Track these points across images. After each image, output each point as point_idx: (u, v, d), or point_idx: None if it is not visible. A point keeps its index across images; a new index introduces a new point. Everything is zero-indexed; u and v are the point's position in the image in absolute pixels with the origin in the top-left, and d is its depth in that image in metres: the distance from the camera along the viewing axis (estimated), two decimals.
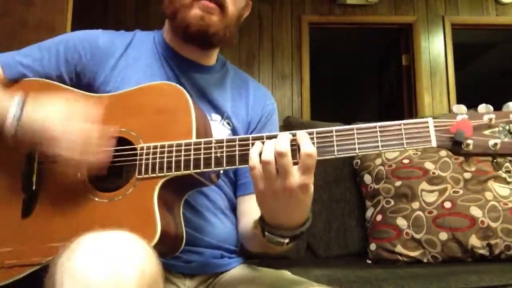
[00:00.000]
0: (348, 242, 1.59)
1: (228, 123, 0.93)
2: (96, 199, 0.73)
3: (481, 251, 1.31)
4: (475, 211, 1.34)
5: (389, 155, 1.54)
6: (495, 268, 1.14)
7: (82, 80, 0.90)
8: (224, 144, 0.69)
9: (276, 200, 0.64)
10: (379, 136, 0.64)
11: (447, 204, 1.37)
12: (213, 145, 0.70)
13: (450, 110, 0.66)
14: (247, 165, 0.66)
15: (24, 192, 0.77)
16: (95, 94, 0.85)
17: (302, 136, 0.63)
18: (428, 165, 1.45)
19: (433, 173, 1.43)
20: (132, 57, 0.93)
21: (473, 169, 0.65)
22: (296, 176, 0.62)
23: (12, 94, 0.75)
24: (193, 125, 0.74)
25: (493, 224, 1.31)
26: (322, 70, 4.59)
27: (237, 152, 0.68)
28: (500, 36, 4.20)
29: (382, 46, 4.11)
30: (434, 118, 0.65)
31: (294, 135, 0.64)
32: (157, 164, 0.71)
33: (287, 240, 0.70)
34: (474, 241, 1.31)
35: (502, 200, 1.36)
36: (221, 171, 0.77)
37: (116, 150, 0.76)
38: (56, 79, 0.88)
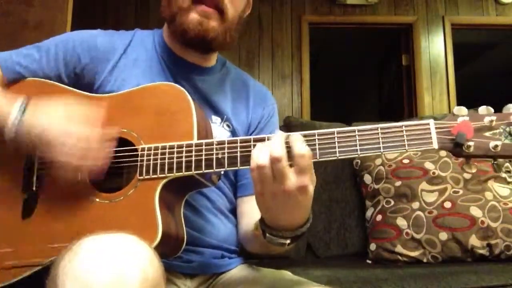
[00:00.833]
0: (348, 242, 1.59)
1: (227, 125, 0.93)
2: (97, 200, 0.73)
3: (481, 251, 1.31)
4: (475, 211, 1.34)
5: (389, 155, 1.54)
6: (495, 268, 1.15)
7: (81, 81, 0.90)
8: (226, 145, 0.69)
9: (275, 202, 0.64)
10: (380, 138, 0.65)
11: (447, 204, 1.37)
12: (214, 146, 0.70)
13: (450, 110, 0.66)
14: (248, 167, 0.65)
15: (24, 192, 0.77)
16: (95, 95, 0.85)
17: (295, 137, 0.64)
18: (428, 165, 1.46)
19: (433, 173, 1.44)
20: (132, 58, 0.92)
21: (473, 170, 0.65)
22: (292, 179, 0.62)
23: (15, 98, 0.75)
24: (194, 126, 0.73)
25: (493, 224, 1.31)
26: (322, 70, 4.59)
27: (238, 154, 0.68)
28: (500, 36, 4.20)
29: (382, 46, 4.10)
30: (434, 118, 0.66)
31: (288, 137, 0.64)
32: (158, 165, 0.71)
33: (288, 241, 0.70)
34: (474, 241, 1.31)
35: (502, 200, 1.36)
36: (222, 172, 0.77)
37: (117, 151, 0.76)
38: (55, 80, 0.88)
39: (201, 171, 0.70)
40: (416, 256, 1.35)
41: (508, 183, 1.41)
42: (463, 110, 0.65)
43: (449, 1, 3.61)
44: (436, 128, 0.64)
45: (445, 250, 1.33)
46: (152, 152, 0.72)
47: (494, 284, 1.02)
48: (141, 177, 0.72)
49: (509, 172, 1.44)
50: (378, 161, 1.54)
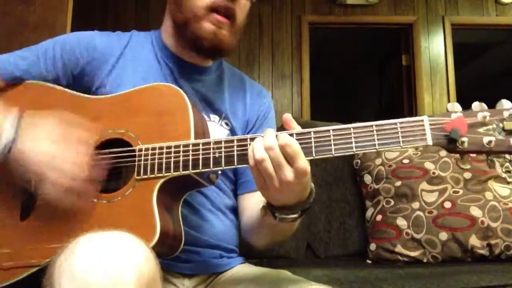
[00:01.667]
0: (348, 242, 1.59)
1: (226, 123, 0.94)
2: (95, 200, 0.73)
3: (481, 251, 1.31)
4: (475, 211, 1.34)
5: (389, 155, 1.54)
6: (495, 268, 1.14)
7: (79, 83, 0.90)
8: (223, 144, 0.70)
9: (281, 192, 0.66)
10: (375, 135, 0.65)
11: (447, 204, 1.37)
12: (211, 145, 0.70)
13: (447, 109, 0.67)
14: (245, 165, 0.67)
15: (22, 194, 0.77)
16: (93, 96, 0.85)
17: (282, 134, 0.66)
18: (428, 165, 1.45)
19: (433, 173, 1.43)
20: (130, 59, 0.92)
21: (468, 166, 0.66)
22: (290, 168, 0.64)
23: (5, 116, 0.72)
24: (191, 126, 0.74)
25: (493, 224, 1.31)
26: (322, 70, 4.59)
27: (235, 152, 0.69)
28: (500, 36, 4.20)
29: (382, 46, 4.10)
30: (429, 116, 0.66)
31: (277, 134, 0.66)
32: (156, 165, 0.72)
33: (298, 214, 0.72)
34: (474, 241, 1.31)
35: (502, 200, 1.36)
36: (219, 172, 0.77)
37: (115, 152, 0.76)
38: (53, 82, 0.88)
39: (198, 170, 0.70)
40: (416, 256, 1.34)
41: (508, 183, 1.41)
42: (457, 106, 0.66)
43: (449, 1, 3.61)
44: (430, 124, 0.65)
45: (445, 250, 1.33)
46: (150, 152, 0.73)
47: (494, 284, 1.02)
48: (139, 177, 0.72)
49: (509, 172, 1.44)
50: (378, 161, 1.54)
